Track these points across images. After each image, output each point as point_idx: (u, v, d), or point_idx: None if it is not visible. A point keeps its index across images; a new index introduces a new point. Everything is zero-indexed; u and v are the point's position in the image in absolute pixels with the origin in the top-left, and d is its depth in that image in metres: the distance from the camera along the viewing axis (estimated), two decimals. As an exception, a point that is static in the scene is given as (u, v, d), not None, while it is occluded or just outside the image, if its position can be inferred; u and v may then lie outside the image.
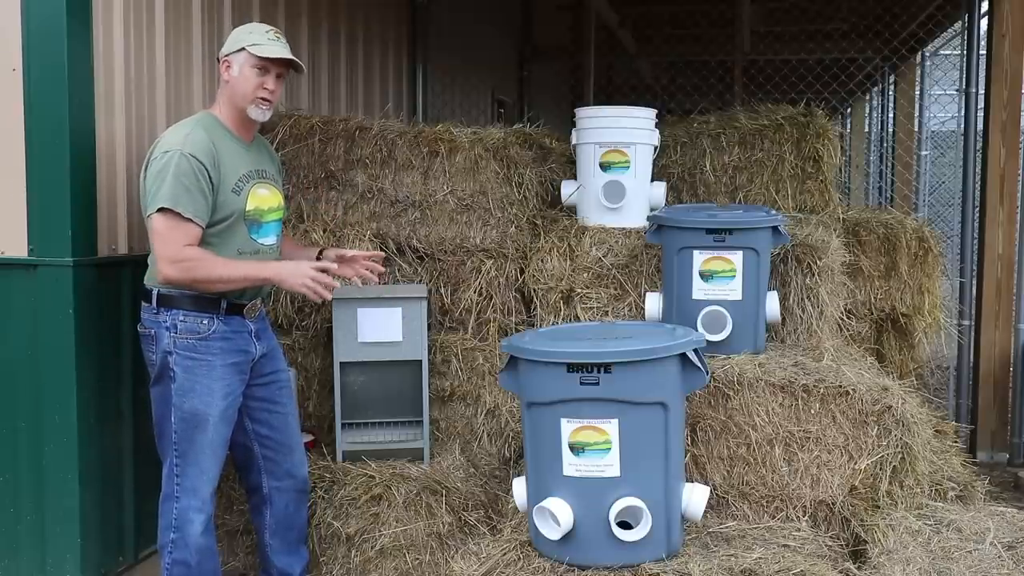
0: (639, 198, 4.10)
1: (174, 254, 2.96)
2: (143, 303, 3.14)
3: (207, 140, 3.05)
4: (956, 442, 4.25)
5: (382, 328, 3.72)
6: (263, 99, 3.16)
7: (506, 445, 3.97)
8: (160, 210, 2.95)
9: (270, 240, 3.26)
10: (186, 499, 3.11)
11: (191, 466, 3.10)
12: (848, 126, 11.40)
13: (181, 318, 3.06)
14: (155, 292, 3.09)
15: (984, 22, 5.77)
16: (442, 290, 4.14)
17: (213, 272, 3.00)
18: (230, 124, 3.18)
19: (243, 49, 3.13)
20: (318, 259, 3.37)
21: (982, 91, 5.65)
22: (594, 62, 8.28)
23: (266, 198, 3.22)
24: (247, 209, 3.14)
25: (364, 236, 4.03)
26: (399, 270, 4.14)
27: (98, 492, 3.41)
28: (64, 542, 3.35)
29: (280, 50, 3.17)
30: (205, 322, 3.07)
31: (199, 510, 3.11)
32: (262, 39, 3.15)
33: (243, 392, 3.22)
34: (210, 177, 3.02)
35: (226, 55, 3.16)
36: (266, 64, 3.14)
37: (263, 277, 3.11)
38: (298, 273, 3.06)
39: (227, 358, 3.12)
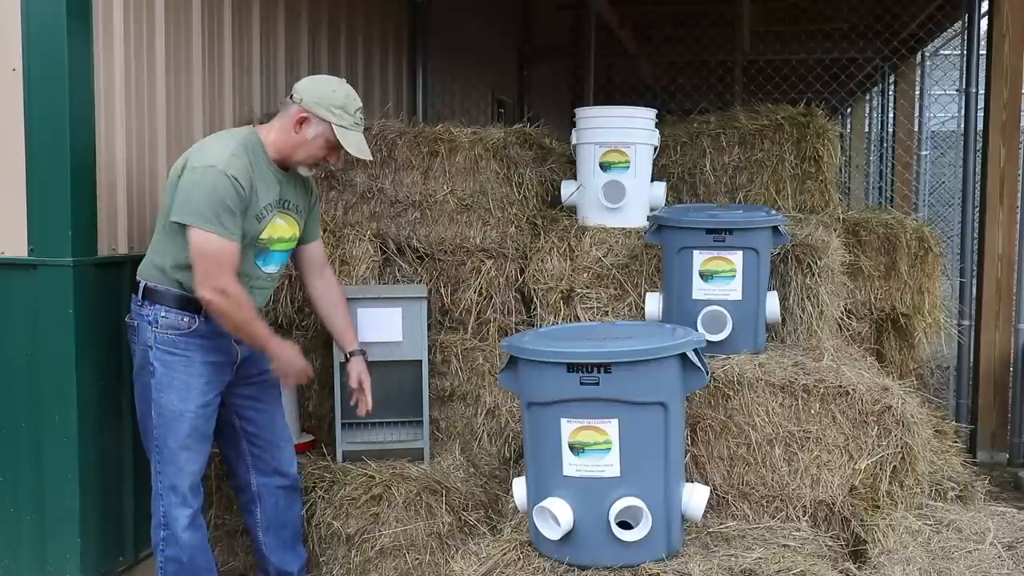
0: (639, 198, 4.09)
1: (228, 286, 2.98)
2: (132, 295, 3.16)
3: (248, 165, 3.05)
4: (956, 442, 4.25)
5: (382, 328, 3.72)
6: (317, 165, 3.25)
7: (506, 445, 3.97)
8: (207, 230, 2.95)
9: (272, 269, 3.27)
10: (168, 496, 3.12)
11: (169, 463, 3.12)
12: (848, 126, 11.40)
13: (163, 313, 3.07)
14: (142, 285, 3.11)
15: (984, 22, 5.77)
16: (442, 290, 4.14)
17: (248, 325, 3.07)
18: (272, 154, 3.17)
19: (328, 121, 3.11)
20: (347, 359, 3.51)
21: (982, 91, 5.65)
22: (594, 62, 8.27)
23: (281, 228, 3.22)
24: (260, 236, 3.15)
25: (364, 236, 4.03)
26: (399, 270, 4.14)
27: (98, 492, 3.41)
28: (64, 542, 3.35)
29: (366, 148, 3.19)
30: (186, 320, 3.07)
31: (181, 505, 3.12)
32: (349, 122, 3.14)
33: (228, 392, 3.24)
34: (245, 201, 3.03)
35: (307, 110, 3.11)
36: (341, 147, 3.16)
37: (271, 353, 3.17)
38: (293, 366, 3.22)
39: (207, 356, 3.12)
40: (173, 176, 3.09)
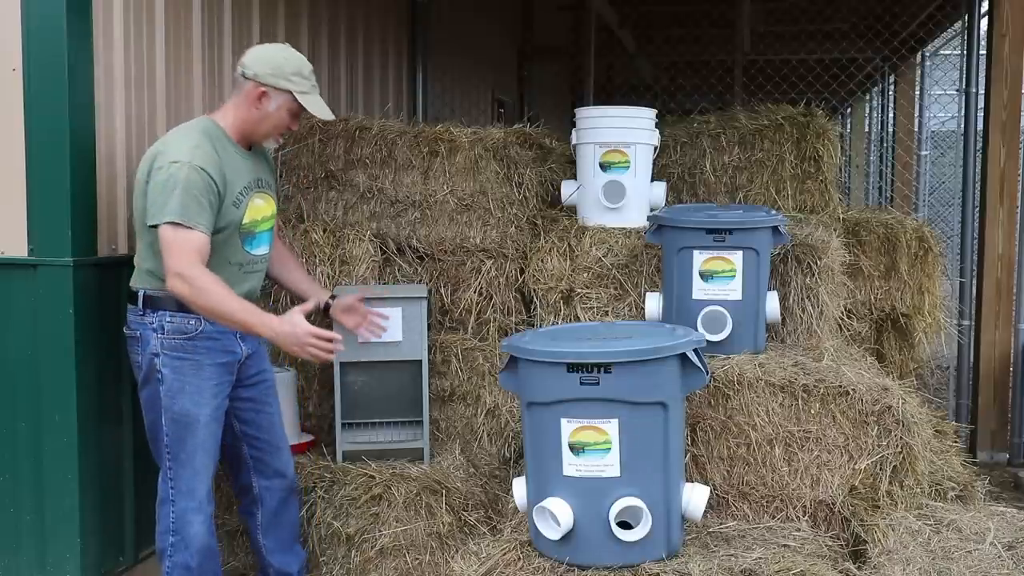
0: (639, 198, 4.09)
1: (186, 270, 2.90)
2: (129, 305, 3.13)
3: (213, 153, 3.03)
4: (956, 442, 4.24)
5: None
6: (282, 135, 3.22)
7: (506, 445, 3.97)
8: (169, 223, 2.91)
9: (262, 250, 3.26)
10: (183, 501, 3.11)
11: (184, 468, 3.10)
12: (848, 126, 11.41)
13: (168, 319, 3.05)
14: (141, 293, 3.08)
15: (984, 22, 5.77)
16: (442, 290, 4.14)
17: (218, 306, 2.94)
18: (235, 136, 3.15)
19: (288, 91, 3.09)
20: (327, 307, 3.44)
21: (982, 91, 5.65)
22: (594, 62, 8.27)
23: (261, 208, 3.21)
24: (244, 222, 3.13)
25: (364, 236, 4.03)
26: (399, 270, 4.14)
27: (98, 492, 3.41)
28: (64, 542, 3.35)
29: (327, 109, 3.16)
30: (192, 322, 3.06)
31: (197, 511, 3.11)
32: (307, 86, 3.12)
33: (231, 393, 3.22)
34: (218, 191, 3.01)
35: (264, 84, 3.08)
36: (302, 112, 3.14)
37: (257, 332, 3.02)
38: (295, 338, 2.98)
39: (215, 358, 3.11)
40: (141, 179, 3.05)
